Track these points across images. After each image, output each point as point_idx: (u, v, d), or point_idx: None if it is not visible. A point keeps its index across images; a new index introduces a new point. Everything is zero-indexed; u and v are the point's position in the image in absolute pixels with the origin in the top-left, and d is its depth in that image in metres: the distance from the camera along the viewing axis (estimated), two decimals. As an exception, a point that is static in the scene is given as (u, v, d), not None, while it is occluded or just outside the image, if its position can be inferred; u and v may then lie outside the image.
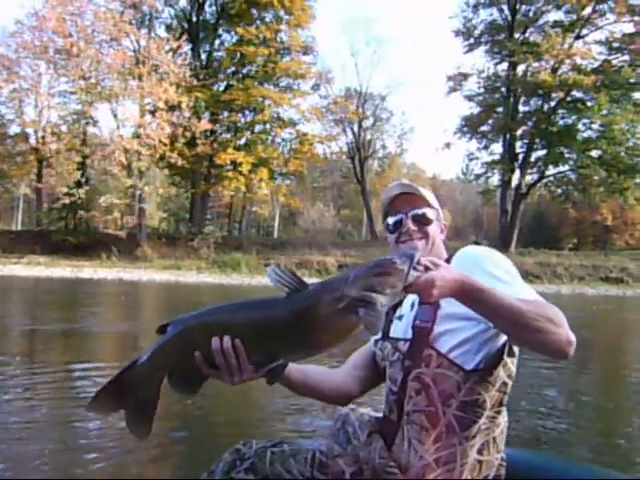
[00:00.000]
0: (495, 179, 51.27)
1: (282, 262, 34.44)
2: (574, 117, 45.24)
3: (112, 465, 3.67)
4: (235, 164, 42.59)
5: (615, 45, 44.23)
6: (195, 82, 40.30)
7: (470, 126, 49.69)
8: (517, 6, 46.70)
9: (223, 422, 5.04)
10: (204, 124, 40.04)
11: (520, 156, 48.09)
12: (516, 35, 46.91)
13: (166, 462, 3.72)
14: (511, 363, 1.78)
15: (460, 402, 1.72)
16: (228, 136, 46.43)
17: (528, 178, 48.60)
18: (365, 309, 1.41)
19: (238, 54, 45.26)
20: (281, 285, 1.53)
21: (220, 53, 48.24)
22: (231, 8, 45.09)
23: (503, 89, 48.42)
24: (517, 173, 47.78)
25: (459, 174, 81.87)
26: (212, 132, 43.37)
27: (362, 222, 67.22)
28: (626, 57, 43.94)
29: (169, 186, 48.12)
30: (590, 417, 5.91)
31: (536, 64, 44.81)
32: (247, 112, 46.85)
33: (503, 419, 1.81)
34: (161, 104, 37.74)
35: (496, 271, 1.72)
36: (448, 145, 50.66)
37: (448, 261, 1.83)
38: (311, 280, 1.55)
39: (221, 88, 46.64)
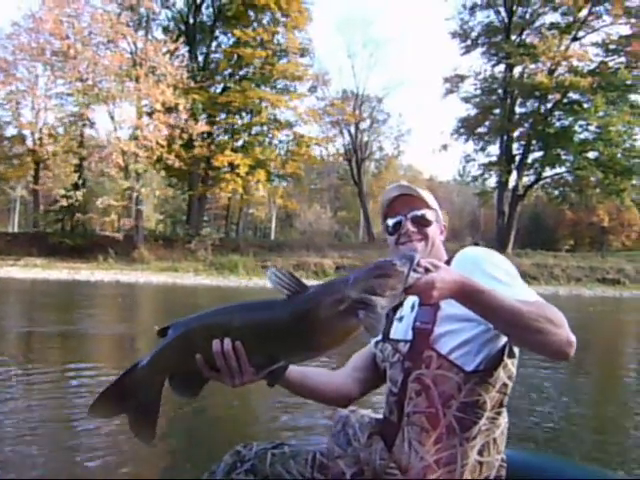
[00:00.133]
0: (492, 181, 51.37)
1: (279, 264, 34.48)
2: (571, 119, 45.38)
3: (110, 466, 3.67)
4: (232, 166, 42.57)
5: (611, 47, 44.36)
6: (192, 84, 40.30)
7: (467, 128, 49.79)
8: (514, 8, 46.78)
9: (222, 424, 5.05)
10: (201, 126, 40.03)
11: (517, 158, 48.19)
12: (513, 37, 47.01)
13: (165, 463, 3.72)
14: (511, 364, 1.78)
15: (460, 403, 1.72)
16: (225, 138, 46.45)
17: (525, 180, 48.71)
18: (365, 311, 1.41)
19: (235, 56, 45.29)
20: (281, 287, 1.53)
21: (217, 55, 48.32)
22: (228, 10, 45.14)
23: (500, 91, 48.51)
24: (514, 175, 47.91)
25: (456, 176, 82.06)
26: (209, 134, 43.35)
27: (359, 224, 67.26)
28: (622, 59, 44.07)
29: (166, 188, 48.08)
30: (588, 417, 5.91)
31: (533, 66, 44.94)
32: (244, 114, 46.88)
33: (503, 420, 1.81)
34: (158, 106, 37.73)
35: (496, 272, 1.72)
36: (445, 147, 50.81)
37: (448, 262, 1.83)
38: (309, 282, 1.55)
39: (218, 90, 46.64)
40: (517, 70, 46.98)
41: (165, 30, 46.39)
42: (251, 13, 45.68)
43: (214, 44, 48.25)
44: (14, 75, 40.27)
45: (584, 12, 44.03)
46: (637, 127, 43.25)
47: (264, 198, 53.73)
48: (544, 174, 48.32)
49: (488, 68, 49.20)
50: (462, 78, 49.15)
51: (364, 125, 54.96)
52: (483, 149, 50.64)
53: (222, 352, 1.55)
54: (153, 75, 38.64)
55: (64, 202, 38.25)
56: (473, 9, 48.65)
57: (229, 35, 46.90)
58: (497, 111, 48.83)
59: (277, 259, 37.49)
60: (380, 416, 1.98)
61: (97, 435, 4.38)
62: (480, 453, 1.75)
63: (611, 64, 44.29)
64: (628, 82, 42.48)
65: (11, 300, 19.10)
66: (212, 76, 45.94)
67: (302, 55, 48.36)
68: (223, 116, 46.12)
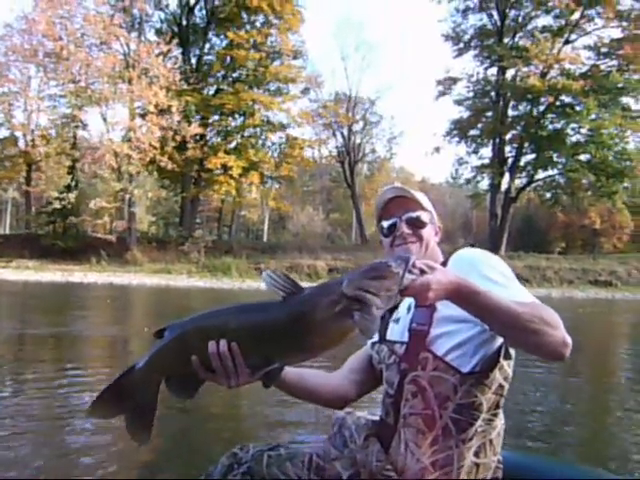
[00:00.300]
0: (485, 183, 51.49)
1: (272, 266, 34.47)
2: (563, 121, 45.53)
3: (103, 466, 3.66)
4: (225, 168, 42.54)
5: (603, 50, 44.56)
6: (185, 86, 40.28)
7: (459, 130, 49.90)
8: (506, 11, 46.92)
9: (217, 425, 5.04)
10: (194, 128, 39.99)
11: (509, 160, 48.33)
12: (505, 40, 47.18)
13: (160, 464, 3.71)
14: (507, 366, 1.78)
15: (456, 405, 1.72)
16: (218, 140, 46.42)
17: (517, 182, 48.84)
18: (360, 313, 1.42)
19: (228, 58, 45.29)
20: (276, 289, 1.53)
21: (210, 57, 48.24)
22: (221, 12, 45.19)
23: (492, 93, 48.66)
24: (506, 177, 48.00)
25: (448, 178, 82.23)
26: (202, 136, 43.32)
27: (351, 226, 67.30)
28: (614, 62, 44.29)
29: (158, 189, 48.03)
30: (581, 418, 5.93)
31: (525, 69, 45.06)
32: (237, 116, 46.82)
33: (500, 421, 1.81)
34: (151, 108, 37.68)
35: (492, 274, 1.72)
36: (438, 149, 50.93)
37: (444, 264, 1.83)
38: (302, 284, 1.56)
39: (211, 92, 46.62)
40: (510, 73, 47.15)
41: (158, 32, 46.30)
42: (244, 15, 45.71)
43: (207, 46, 48.25)
44: (6, 77, 40.14)
45: (576, 15, 44.19)
46: (629, 130, 43.48)
47: (256, 200, 53.73)
48: (536, 177, 48.52)
49: (481, 71, 49.42)
50: (455, 81, 49.31)
51: (357, 127, 55.07)
52: (476, 151, 50.79)
53: (218, 353, 1.55)
54: (146, 77, 38.60)
55: (57, 204, 38.19)
56: (466, 12, 48.83)
57: (222, 37, 46.88)
58: (490, 114, 48.97)
59: (270, 261, 37.50)
60: (376, 418, 1.98)
61: (90, 435, 4.37)
62: (476, 455, 1.75)
63: (603, 67, 44.51)
64: (620, 85, 42.65)
65: (3, 302, 19.03)
66: (205, 78, 45.88)
67: (295, 57, 48.40)
68: (216, 118, 46.10)
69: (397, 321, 1.94)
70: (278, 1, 43.55)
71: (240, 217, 59.61)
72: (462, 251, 1.89)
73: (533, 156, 47.74)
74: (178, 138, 38.97)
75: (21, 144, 42.40)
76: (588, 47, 45.18)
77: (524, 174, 49.06)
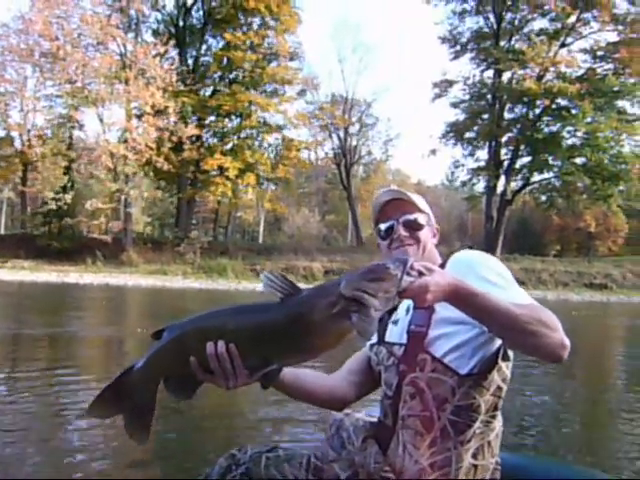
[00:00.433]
0: (480, 185, 51.52)
1: (268, 268, 34.41)
2: (559, 124, 45.56)
3: (100, 467, 3.65)
4: (222, 169, 42.52)
5: (599, 54, 44.64)
6: (182, 87, 40.22)
7: (456, 132, 49.93)
8: (503, 14, 47.00)
9: (214, 425, 5.03)
10: (191, 129, 39.97)
11: (505, 163, 48.35)
12: (502, 43, 47.22)
13: (158, 465, 3.70)
14: (506, 367, 1.78)
15: (455, 406, 1.73)
16: (215, 141, 46.40)
17: (513, 185, 48.89)
18: (358, 314, 1.42)
19: (225, 59, 45.27)
20: (274, 290, 1.53)
21: (207, 58, 48.22)
22: (218, 13, 45.18)
23: (489, 96, 48.69)
24: (502, 180, 48.03)
25: (444, 180, 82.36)
26: (198, 137, 43.29)
27: (347, 227, 67.30)
28: (610, 65, 44.38)
29: (154, 190, 47.98)
30: (576, 420, 5.95)
31: (521, 71, 45.09)
32: (234, 117, 46.80)
33: (498, 423, 1.81)
34: (148, 108, 37.65)
35: (490, 275, 1.72)
36: (434, 151, 50.92)
37: (442, 266, 1.83)
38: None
39: (208, 93, 46.59)
40: (506, 76, 47.17)
41: (155, 33, 46.24)
42: (241, 16, 45.66)
43: (204, 47, 48.25)
44: (2, 76, 40.08)
45: (572, 19, 44.25)
46: (624, 133, 43.49)
47: (252, 202, 53.70)
48: (532, 179, 48.56)
49: (477, 73, 49.43)
50: (451, 83, 49.33)
51: (353, 129, 55.09)
52: (472, 154, 50.80)
53: (216, 354, 1.56)
54: (143, 77, 38.56)
55: (52, 205, 38.13)
56: (462, 15, 48.88)
57: (219, 38, 46.88)
58: (486, 116, 48.99)
59: (266, 263, 37.48)
60: (374, 419, 1.98)
61: (87, 434, 4.37)
62: (474, 456, 1.75)
63: (599, 71, 44.58)
64: (616, 88, 42.72)
65: (-1, 302, 18.99)
66: (202, 79, 45.83)
67: (292, 59, 48.40)
68: (213, 119, 46.08)
69: (396, 323, 1.94)
70: (275, 2, 43.55)
71: (236, 218, 59.54)
72: (460, 253, 1.89)
73: (529, 159, 47.78)
74: (174, 139, 38.93)
75: (17, 144, 42.31)
76: (584, 50, 45.33)
77: (520, 177, 49.13)
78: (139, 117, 40.20)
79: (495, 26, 47.42)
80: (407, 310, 1.90)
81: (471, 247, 2.11)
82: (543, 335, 1.53)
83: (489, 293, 1.55)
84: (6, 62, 40.02)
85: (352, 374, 2.11)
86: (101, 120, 39.78)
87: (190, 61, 47.13)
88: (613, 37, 44.42)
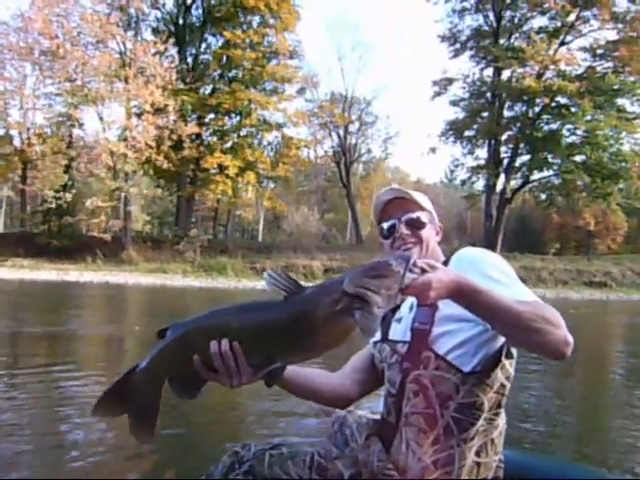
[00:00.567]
0: (480, 184, 51.52)
1: (268, 266, 34.43)
2: (558, 123, 45.53)
3: (101, 465, 3.65)
4: (221, 167, 42.50)
5: (599, 52, 44.54)
6: (181, 85, 40.22)
7: (455, 131, 49.88)
8: (502, 12, 46.95)
9: (218, 421, 5.04)
10: (191, 127, 39.97)
11: (505, 161, 48.31)
12: (501, 41, 47.16)
13: (162, 463, 3.70)
14: (509, 365, 1.79)
15: (458, 404, 1.73)
16: (214, 139, 46.38)
17: (513, 183, 48.83)
18: (361, 311, 1.43)
19: (225, 57, 45.24)
20: (278, 289, 1.54)
21: (206, 56, 48.15)
22: (217, 11, 45.13)
23: (488, 94, 48.63)
24: (502, 178, 47.99)
25: (443, 178, 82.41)
26: (198, 135, 43.27)
27: (347, 226, 67.31)
28: (610, 64, 44.27)
29: (154, 188, 47.95)
30: (576, 418, 5.96)
31: (521, 70, 45.02)
32: (233, 115, 46.77)
33: (501, 421, 1.82)
34: (147, 107, 37.63)
35: (493, 272, 1.72)
36: (434, 150, 50.89)
37: (446, 263, 1.83)
38: (299, 284, 1.56)
39: (207, 91, 46.55)
40: (505, 74, 47.11)
41: (155, 31, 46.21)
42: (241, 15, 45.63)
43: (203, 45, 48.18)
44: (2, 75, 39.98)
45: (572, 17, 44.18)
46: (624, 131, 43.44)
47: (251, 200, 53.70)
48: (532, 177, 48.50)
49: (477, 71, 49.35)
50: (450, 81, 49.26)
51: (353, 127, 55.09)
52: (471, 152, 50.76)
53: (220, 353, 1.56)
54: (142, 76, 38.53)
55: (53, 203, 38.13)
56: (462, 13, 48.81)
57: (218, 36, 46.83)
58: (485, 114, 48.94)
59: (266, 261, 37.47)
60: (378, 417, 1.98)
61: (89, 431, 4.36)
62: (478, 454, 1.76)
63: (599, 69, 44.49)
64: (615, 87, 42.66)
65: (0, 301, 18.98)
66: (201, 77, 45.81)
67: (291, 57, 48.37)
68: (212, 117, 46.03)
69: (399, 320, 1.95)
70: (275, 0, 43.52)
71: (235, 217, 59.57)
72: (463, 250, 1.89)
73: (528, 157, 47.68)
74: (174, 137, 38.93)
75: (17, 142, 42.27)
76: (584, 49, 45.20)
77: (519, 175, 49.06)
78: (139, 115, 40.18)
79: (495, 24, 47.36)
80: (410, 308, 1.90)
81: (474, 244, 2.11)
82: (546, 332, 1.53)
83: (492, 290, 1.55)
84: (5, 60, 39.94)
85: (356, 372, 2.12)
86: (101, 118, 39.83)
87: (190, 59, 47.12)
88: (613, 35, 44.38)
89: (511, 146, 48.34)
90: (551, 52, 44.14)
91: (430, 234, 1.99)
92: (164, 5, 47.12)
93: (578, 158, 44.91)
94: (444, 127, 50.37)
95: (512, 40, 47.48)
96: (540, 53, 43.05)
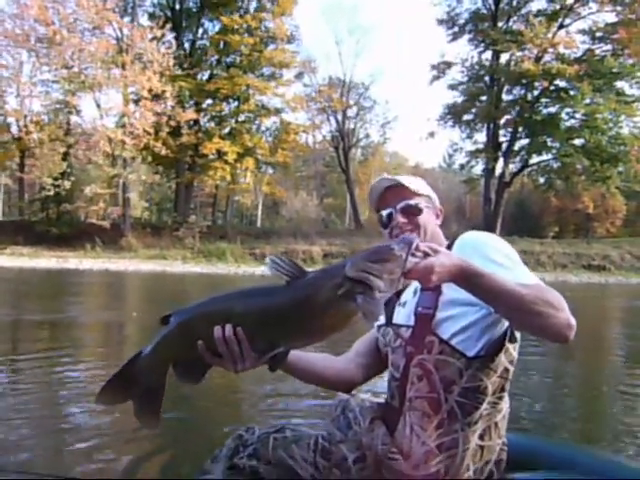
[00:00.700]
0: (479, 168, 51.45)
1: (268, 251, 34.46)
2: (557, 106, 45.45)
3: (103, 451, 3.66)
4: (220, 153, 42.44)
5: (598, 35, 44.34)
6: (179, 71, 40.03)
7: (454, 115, 49.79)
8: (500, -5, 46.76)
9: (220, 407, 5.05)
10: (189, 114, 39.91)
11: (504, 145, 48.28)
12: (500, 24, 46.95)
13: (163, 449, 3.71)
14: (512, 349, 1.80)
15: (462, 388, 1.74)
16: (212, 125, 46.27)
17: (511, 167, 48.80)
18: (363, 296, 1.43)
19: (222, 43, 45.07)
20: (280, 273, 1.54)
21: (204, 42, 48.00)
22: (214, -4, 44.88)
23: (487, 78, 48.48)
24: (500, 162, 47.98)
25: (441, 163, 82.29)
26: (196, 122, 43.19)
27: (345, 211, 67.27)
28: (609, 46, 44.09)
29: (153, 175, 47.88)
30: (575, 400, 5.98)
31: (520, 53, 44.87)
32: (231, 101, 46.63)
33: (505, 405, 1.83)
34: (145, 93, 37.53)
35: (496, 256, 1.73)
36: (432, 134, 50.85)
37: (449, 247, 1.84)
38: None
39: (205, 77, 46.38)
40: (504, 57, 46.96)
41: (151, 16, 45.95)
42: (237, -1, 45.47)
43: (200, 31, 48.01)
44: (-2, 62, 39.88)
45: (571, -1, 44.09)
46: (623, 114, 43.36)
47: (249, 185, 53.64)
48: (530, 161, 48.46)
49: (475, 55, 49.16)
50: (449, 65, 49.12)
51: (351, 112, 54.95)
52: (470, 136, 50.70)
53: (224, 338, 1.58)
54: (139, 62, 38.41)
55: (51, 191, 38.08)
56: (460, -4, 48.57)
57: (216, 22, 46.62)
58: (484, 98, 48.82)
59: (265, 247, 37.50)
60: (381, 400, 2.00)
61: (90, 418, 4.36)
62: (481, 437, 1.78)
63: (597, 52, 44.31)
64: (614, 70, 42.51)
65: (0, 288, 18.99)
66: (199, 63, 45.64)
67: (289, 42, 48.17)
68: (210, 103, 45.89)
69: (404, 305, 1.96)
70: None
71: (234, 202, 59.55)
72: (466, 234, 1.90)
73: (527, 141, 47.66)
74: (172, 124, 38.83)
75: (14, 130, 42.14)
76: (582, 31, 45.00)
77: (518, 159, 49.05)
78: (136, 102, 40.06)
79: (493, 7, 47.15)
80: (415, 292, 1.91)
81: (473, 229, 2.11)
82: (549, 315, 1.54)
83: (495, 274, 1.56)
84: (1, 47, 39.69)
85: (360, 356, 2.13)
86: (98, 105, 39.67)
87: (187, 45, 46.94)
88: (612, 18, 44.12)
89: (510, 130, 48.28)
90: (550, 35, 44.00)
91: (428, 219, 1.99)
92: (160, -10, 46.88)
93: (577, 141, 44.85)
94: (442, 111, 50.35)
95: (510, 23, 47.28)
96: (539, 36, 42.90)
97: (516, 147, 48.16)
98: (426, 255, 1.48)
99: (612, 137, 43.37)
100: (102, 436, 3.91)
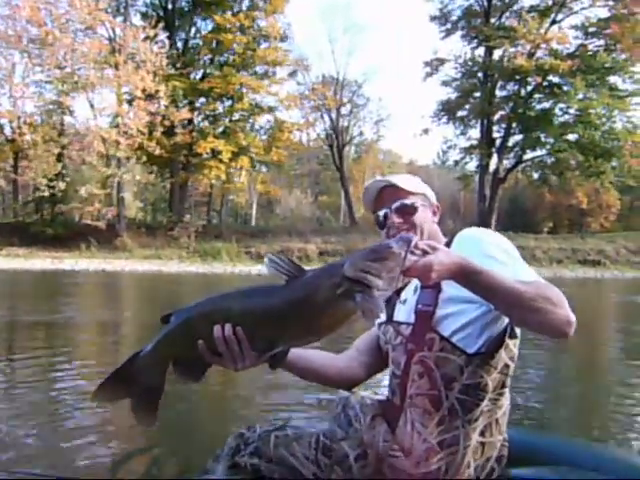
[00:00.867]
0: (473, 164, 51.45)
1: (263, 250, 34.47)
2: (551, 101, 45.42)
3: (97, 449, 3.66)
4: (215, 152, 42.39)
5: (591, 30, 44.35)
6: (172, 70, 39.93)
7: (447, 111, 49.77)
8: (493, -9, 46.74)
9: (223, 405, 5.06)
10: (183, 113, 39.85)
11: (497, 141, 48.26)
12: (492, 20, 46.85)
13: (163, 448, 3.72)
14: (513, 345, 1.80)
15: (462, 385, 1.75)
16: (206, 124, 46.22)
17: (506, 163, 48.80)
18: (362, 295, 1.43)
19: (215, 42, 45.00)
20: (279, 273, 1.55)
21: (196, 41, 47.85)
22: (206, -5, 44.77)
23: (480, 74, 48.43)
24: (495, 158, 47.97)
25: (435, 160, 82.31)
26: (190, 121, 43.13)
27: (340, 208, 67.24)
28: (601, 42, 44.09)
29: (148, 174, 47.79)
30: (573, 394, 6.00)
31: (512, 49, 44.84)
32: (225, 100, 46.55)
33: (505, 401, 1.84)
34: (138, 93, 37.41)
35: (495, 252, 1.74)
36: (426, 131, 50.78)
37: (448, 245, 1.84)
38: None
39: (198, 76, 46.28)
40: (497, 53, 46.88)
41: (144, 16, 45.75)
42: (230, -2, 45.38)
43: (193, 30, 47.81)
44: (-10, 63, 39.67)
45: (563, -6, 44.08)
46: (616, 109, 43.41)
47: (243, 184, 53.59)
48: (524, 157, 48.49)
49: (468, 51, 49.08)
50: (442, 62, 49.00)
51: (345, 110, 54.92)
52: (463, 133, 50.66)
53: (223, 337, 1.58)
54: (132, 62, 38.28)
55: (46, 192, 37.96)
56: (453, -8, 48.56)
57: (208, 21, 46.53)
58: (477, 94, 48.81)
59: (260, 245, 37.46)
60: (382, 398, 2.00)
61: (85, 417, 4.37)
62: (482, 434, 1.78)
63: (590, 47, 44.34)
64: (607, 65, 42.55)
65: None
66: (192, 62, 45.52)
67: (282, 40, 48.09)
68: (204, 102, 45.80)
69: (404, 302, 1.96)
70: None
71: (228, 201, 59.44)
72: (465, 231, 1.90)
73: (521, 136, 47.66)
74: (166, 123, 38.74)
75: (7, 132, 41.98)
76: (575, 27, 44.97)
77: (512, 155, 49.03)
78: (130, 102, 39.96)
79: (485, 3, 47.07)
80: (415, 290, 1.91)
81: (469, 225, 2.11)
82: (548, 312, 1.54)
83: (493, 270, 1.56)
84: (-7, 49, 39.58)
85: (361, 354, 2.14)
86: (92, 105, 39.57)
87: (180, 44, 46.76)
88: (604, 13, 44.06)
89: (504, 126, 48.25)
90: (542, 31, 43.98)
91: (424, 218, 1.99)
92: (152, -11, 46.74)
93: (571, 137, 44.87)
94: (436, 108, 50.29)
95: (503, 19, 47.17)
96: (531, 32, 42.89)
97: (510, 143, 48.14)
98: (425, 253, 1.48)
99: (605, 132, 43.42)
100: (99, 435, 3.92)
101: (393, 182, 1.97)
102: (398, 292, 1.96)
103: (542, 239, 44.43)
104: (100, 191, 40.57)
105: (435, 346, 1.78)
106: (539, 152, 47.55)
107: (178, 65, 41.38)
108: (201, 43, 46.85)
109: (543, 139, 46.20)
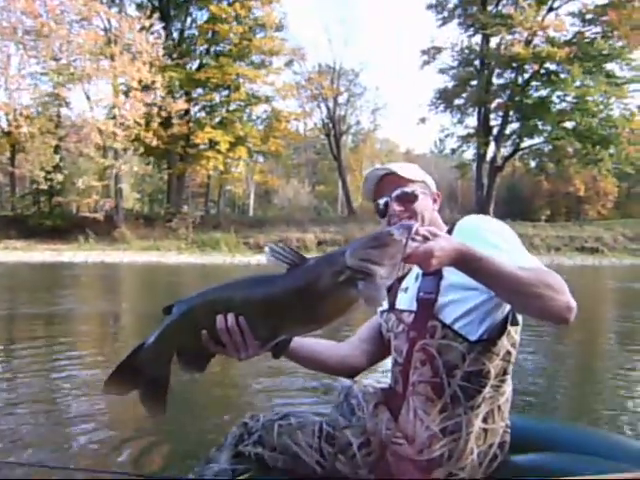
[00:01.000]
0: (470, 153, 51.47)
1: (261, 240, 34.51)
2: (548, 89, 45.44)
3: (101, 439, 3.67)
4: (212, 143, 42.34)
5: (588, 17, 44.28)
6: (168, 61, 39.83)
7: (444, 99, 49.77)
8: (490, -22, 46.59)
9: (225, 394, 5.06)
10: (180, 104, 39.73)
11: (495, 129, 48.29)
12: (489, 8, 46.76)
13: (166, 438, 3.72)
14: (514, 332, 1.81)
15: (465, 372, 1.76)
16: (203, 114, 46.14)
17: (503, 151, 48.81)
18: (364, 282, 1.43)
19: (211, 32, 44.84)
20: (280, 262, 1.55)
21: (192, 31, 47.68)
22: (202, -16, 44.58)
23: (477, 62, 48.41)
24: (492, 146, 48.00)
25: (433, 148, 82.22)
26: (187, 112, 43.03)
27: (337, 198, 67.22)
28: (598, 29, 44.05)
29: (145, 165, 47.74)
30: (572, 380, 6.02)
31: (509, 37, 44.81)
32: (222, 90, 46.44)
33: (508, 387, 1.85)
34: (135, 84, 37.29)
35: (495, 239, 1.74)
36: (424, 120, 50.84)
37: (449, 232, 1.84)
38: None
39: (194, 66, 46.18)
40: (494, 41, 46.86)
41: (139, 7, 45.53)
42: (225, -13, 45.15)
43: (189, 20, 47.66)
44: (-16, 55, 39.49)
45: (560, -19, 43.99)
46: (613, 97, 43.44)
47: (241, 175, 53.58)
48: (522, 145, 48.51)
49: (465, 39, 49.07)
50: (439, 50, 48.97)
51: (342, 99, 54.82)
52: (461, 121, 50.71)
53: (226, 327, 1.59)
54: (128, 52, 38.13)
55: (43, 184, 37.91)
56: (449, -20, 48.39)
57: (204, 11, 46.31)
58: (474, 82, 48.77)
59: (259, 235, 37.46)
60: (384, 386, 2.01)
61: (87, 408, 4.36)
62: (485, 420, 1.79)
63: (587, 34, 44.29)
64: (604, 52, 42.56)
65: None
66: (188, 52, 45.44)
67: (278, 29, 47.95)
68: (201, 93, 45.71)
69: (406, 290, 1.96)
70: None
71: (226, 192, 59.41)
72: (465, 218, 1.90)
73: (518, 124, 47.71)
74: (163, 114, 38.64)
75: (3, 124, 41.85)
76: (572, 14, 44.97)
77: (509, 143, 49.10)
78: (126, 93, 39.84)
79: (482, -9, 47.02)
80: (416, 277, 1.91)
81: (467, 214, 2.11)
82: (549, 298, 1.54)
83: (494, 257, 1.56)
84: (-12, 41, 39.39)
85: (364, 342, 2.14)
86: (88, 97, 39.49)
87: (175, 34, 46.56)
88: (601, 0, 44.14)
89: (501, 114, 48.28)
90: (539, 18, 43.94)
91: (425, 205, 1.99)
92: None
93: (568, 124, 44.90)
94: (433, 96, 50.38)
95: (500, 7, 47.05)
96: (528, 19, 42.82)
97: (507, 131, 48.20)
98: (426, 239, 1.48)
99: (603, 119, 43.46)
100: (103, 427, 3.91)
101: (393, 170, 1.97)
102: (400, 280, 1.96)
103: (540, 227, 44.48)
104: (97, 183, 40.55)
105: (437, 334, 1.78)
106: (536, 140, 47.68)
107: (174, 56, 41.31)
108: (197, 33, 46.67)
109: (540, 127, 46.22)
